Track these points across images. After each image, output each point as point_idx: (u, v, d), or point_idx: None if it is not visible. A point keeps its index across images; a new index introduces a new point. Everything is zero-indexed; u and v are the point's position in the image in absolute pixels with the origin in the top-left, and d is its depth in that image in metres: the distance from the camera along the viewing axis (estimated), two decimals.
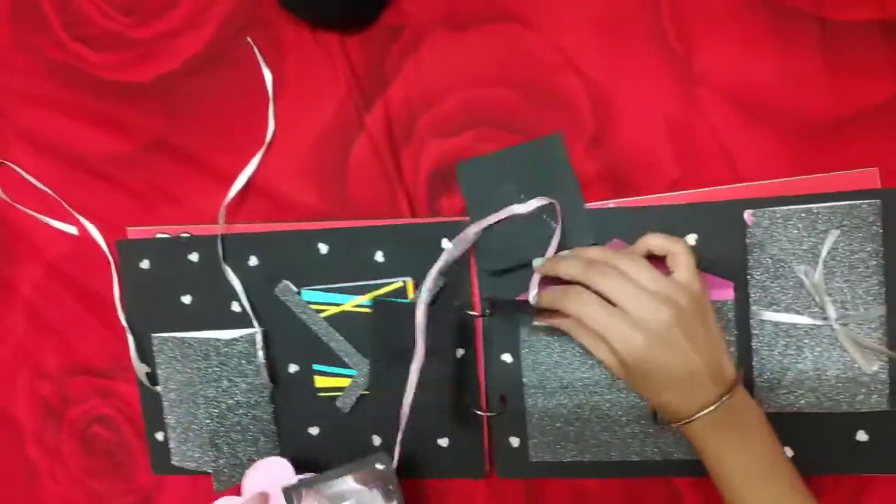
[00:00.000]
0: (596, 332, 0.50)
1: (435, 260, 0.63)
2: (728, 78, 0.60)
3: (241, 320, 0.68)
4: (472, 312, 0.64)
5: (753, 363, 0.61)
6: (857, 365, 0.60)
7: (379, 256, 0.65)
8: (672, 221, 0.61)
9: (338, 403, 0.67)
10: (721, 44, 0.60)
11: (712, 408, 0.48)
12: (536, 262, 0.59)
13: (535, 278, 0.58)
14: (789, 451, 0.61)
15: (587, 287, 0.51)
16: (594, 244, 0.61)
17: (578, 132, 0.62)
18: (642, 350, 0.48)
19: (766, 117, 0.60)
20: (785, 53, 0.60)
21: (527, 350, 0.64)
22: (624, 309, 0.49)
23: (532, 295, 0.57)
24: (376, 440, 0.68)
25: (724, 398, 0.49)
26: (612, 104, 0.62)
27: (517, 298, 0.61)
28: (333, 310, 0.66)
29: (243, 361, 0.67)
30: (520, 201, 0.62)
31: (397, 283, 0.64)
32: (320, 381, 0.67)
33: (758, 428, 0.51)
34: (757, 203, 0.60)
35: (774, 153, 0.60)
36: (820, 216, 0.59)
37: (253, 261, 0.68)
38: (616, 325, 0.49)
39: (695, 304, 0.49)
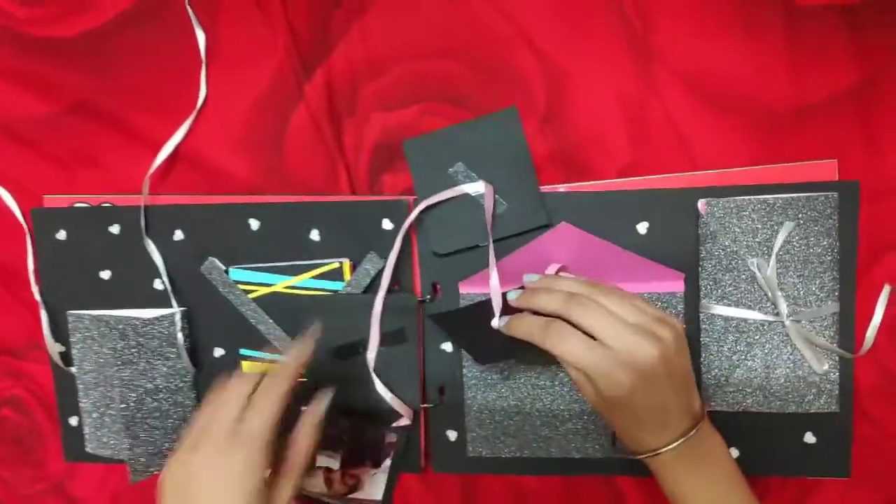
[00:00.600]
0: (580, 369, 0.46)
1: (375, 241, 0.60)
2: (687, 59, 0.58)
3: (163, 299, 0.63)
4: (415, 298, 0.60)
5: (702, 359, 0.58)
6: (807, 364, 0.57)
7: (314, 235, 0.61)
8: (623, 208, 0.58)
9: None
10: (682, 23, 0.57)
11: (678, 442, 0.46)
12: (511, 296, 0.53)
13: (498, 301, 0.53)
14: (735, 452, 0.59)
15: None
16: (547, 225, 0.58)
17: (530, 110, 0.59)
18: (627, 390, 0.45)
19: (724, 103, 0.58)
20: (748, 37, 0.57)
21: None
22: (608, 346, 0.45)
23: (499, 322, 0.53)
24: None
25: (690, 433, 0.47)
26: (566, 81, 0.59)
27: (472, 305, 0.57)
28: (263, 290, 0.62)
29: (164, 343, 0.62)
30: (471, 180, 0.59)
31: (333, 264, 0.60)
32: (247, 368, 0.63)
33: (720, 459, 0.49)
34: (711, 192, 0.57)
35: (731, 141, 0.58)
36: (775, 208, 0.56)
37: (178, 235, 0.63)
38: (600, 365, 0.45)
39: (678, 338, 0.47)
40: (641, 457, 0.48)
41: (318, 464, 0.60)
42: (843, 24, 0.56)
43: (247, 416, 0.46)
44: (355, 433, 0.60)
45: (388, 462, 0.61)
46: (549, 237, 0.57)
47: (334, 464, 0.60)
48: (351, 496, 0.61)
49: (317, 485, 0.60)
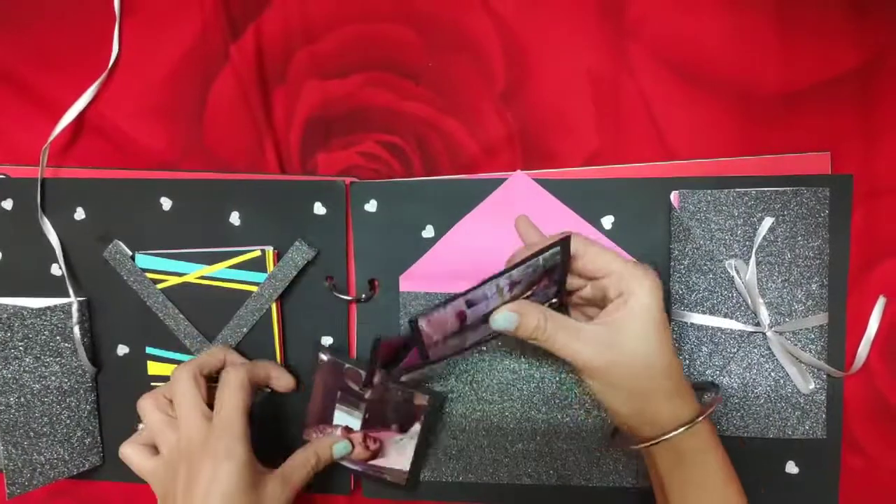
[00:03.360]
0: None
1: (304, 227, 0.53)
2: (665, 35, 0.52)
3: (61, 286, 0.55)
4: (344, 296, 0.52)
5: None
6: (791, 383, 0.51)
7: (235, 218, 0.54)
8: (586, 199, 0.52)
9: None
10: None
11: (688, 425, 0.41)
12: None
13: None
14: None
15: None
16: None
17: (486, 85, 0.53)
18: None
19: (705, 85, 0.52)
20: (734, 12, 0.52)
21: None
22: None
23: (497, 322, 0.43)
24: None
25: (699, 418, 0.41)
26: (529, 54, 0.53)
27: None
28: (174, 280, 0.54)
29: (58, 338, 0.54)
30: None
31: (254, 252, 0.53)
32: (154, 368, 0.55)
33: (722, 468, 0.43)
34: (685, 183, 0.51)
35: (712, 128, 0.52)
36: (758, 202, 0.50)
37: (79, 213, 0.55)
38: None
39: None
40: (652, 442, 0.42)
41: (335, 421, 0.53)
42: (843, 1, 0.50)
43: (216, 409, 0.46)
44: (378, 389, 0.52)
45: (416, 427, 0.52)
46: (504, 191, 0.51)
47: (355, 423, 0.52)
48: (372, 462, 0.53)
49: (338, 449, 0.51)
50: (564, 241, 0.42)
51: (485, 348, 0.53)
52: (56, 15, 0.56)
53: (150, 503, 0.57)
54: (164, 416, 0.46)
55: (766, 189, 0.50)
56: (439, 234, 0.53)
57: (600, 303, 0.44)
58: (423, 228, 0.53)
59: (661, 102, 0.52)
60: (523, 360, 0.53)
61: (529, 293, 0.43)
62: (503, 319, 0.42)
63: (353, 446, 0.52)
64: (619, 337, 0.41)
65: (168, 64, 0.55)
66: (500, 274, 0.40)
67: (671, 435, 0.41)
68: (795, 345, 0.50)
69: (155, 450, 0.46)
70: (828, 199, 0.50)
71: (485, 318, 0.43)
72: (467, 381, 0.53)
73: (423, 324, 0.40)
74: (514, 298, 0.43)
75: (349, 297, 0.53)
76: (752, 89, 0.51)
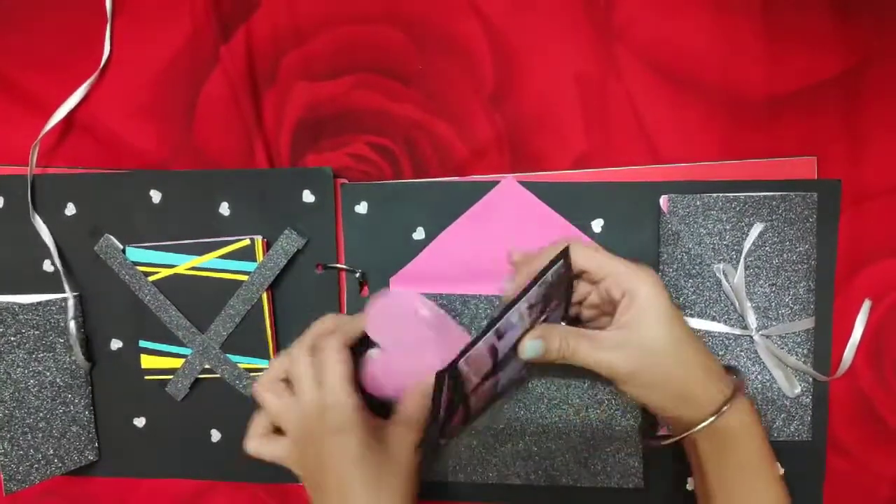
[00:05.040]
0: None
1: (293, 215, 0.53)
2: (652, 38, 0.52)
3: (54, 282, 0.56)
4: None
5: None
6: (776, 386, 0.51)
7: (224, 209, 0.54)
8: (577, 203, 0.52)
9: (168, 389, 0.56)
10: None
11: (730, 401, 0.41)
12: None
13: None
14: (691, 485, 0.52)
15: None
16: None
17: (476, 88, 0.53)
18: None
19: (692, 88, 0.51)
20: (721, 15, 0.51)
21: None
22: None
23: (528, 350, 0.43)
24: (216, 435, 0.57)
25: (733, 399, 0.41)
26: (517, 57, 0.52)
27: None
28: (165, 272, 0.54)
29: (52, 333, 0.55)
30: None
31: (243, 242, 0.53)
32: (148, 361, 0.56)
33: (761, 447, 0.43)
34: (674, 187, 0.51)
35: (699, 131, 0.52)
36: (746, 207, 0.50)
37: (70, 209, 0.56)
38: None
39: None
40: (693, 431, 0.42)
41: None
42: (828, 5, 0.50)
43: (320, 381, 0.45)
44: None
45: None
46: (494, 196, 0.52)
47: None
48: None
49: None
50: (565, 251, 0.42)
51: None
52: (47, 14, 0.55)
53: (141, 501, 0.59)
54: (284, 401, 0.45)
55: (754, 194, 0.50)
56: (430, 236, 0.53)
57: (608, 307, 0.44)
58: (414, 231, 0.53)
59: (647, 105, 0.52)
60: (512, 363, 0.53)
61: (544, 317, 0.43)
62: (531, 349, 0.42)
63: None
64: (638, 335, 0.41)
65: (159, 65, 0.55)
66: (519, 299, 0.40)
67: (718, 415, 0.41)
68: (782, 348, 0.50)
69: (279, 432, 0.46)
70: (816, 205, 0.49)
71: (513, 348, 0.43)
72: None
73: (463, 366, 0.40)
74: (533, 322, 0.43)
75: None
76: (739, 93, 0.51)
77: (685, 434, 0.42)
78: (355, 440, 0.43)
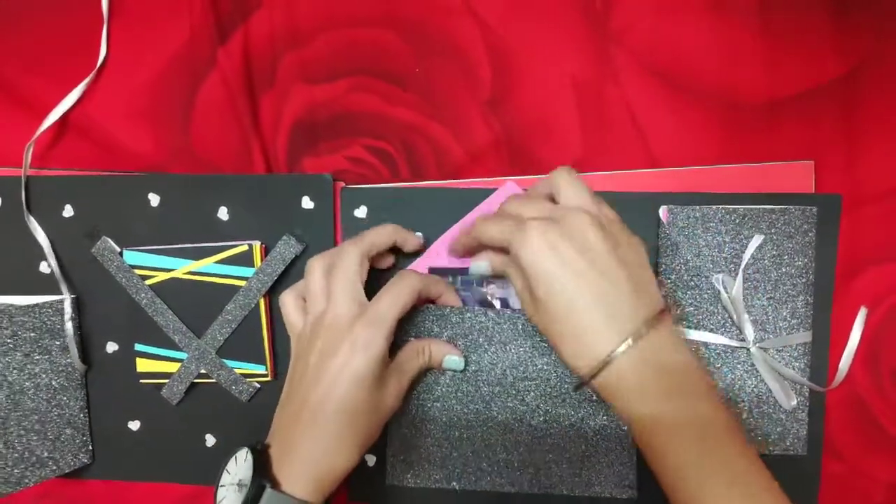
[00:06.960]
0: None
1: (292, 221, 0.53)
2: (649, 42, 0.51)
3: (50, 284, 0.55)
4: None
5: None
6: (773, 398, 0.50)
7: (223, 213, 0.54)
8: None
9: (163, 393, 0.56)
10: (645, 0, 0.51)
11: (631, 340, 0.39)
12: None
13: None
14: None
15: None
16: None
17: (473, 91, 0.52)
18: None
19: (689, 92, 0.51)
20: (718, 19, 0.51)
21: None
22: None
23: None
24: (210, 440, 0.57)
25: (644, 331, 0.39)
26: (514, 61, 0.52)
27: None
28: (162, 276, 0.54)
29: (47, 335, 0.55)
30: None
31: (241, 247, 0.53)
32: (143, 365, 0.56)
33: (699, 385, 0.41)
34: (674, 198, 0.50)
35: (696, 135, 0.51)
36: (746, 220, 0.49)
37: (68, 211, 0.55)
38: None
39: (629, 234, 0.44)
40: (597, 367, 0.40)
41: None
42: (827, 8, 0.50)
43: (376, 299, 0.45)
44: None
45: None
46: (493, 201, 0.52)
47: None
48: None
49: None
50: None
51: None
52: (44, 16, 0.55)
53: None
54: (324, 286, 0.45)
55: (754, 206, 0.49)
56: (429, 240, 0.52)
57: None
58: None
59: (645, 109, 0.51)
60: (507, 371, 0.53)
61: None
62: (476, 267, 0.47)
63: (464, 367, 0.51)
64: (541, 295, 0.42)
65: (156, 67, 0.54)
66: None
67: (618, 350, 0.39)
68: (779, 361, 0.50)
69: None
70: (815, 219, 0.49)
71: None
72: (453, 390, 0.53)
73: None
74: None
75: None
76: (737, 97, 0.51)
77: (587, 378, 0.41)
78: (370, 362, 0.43)
